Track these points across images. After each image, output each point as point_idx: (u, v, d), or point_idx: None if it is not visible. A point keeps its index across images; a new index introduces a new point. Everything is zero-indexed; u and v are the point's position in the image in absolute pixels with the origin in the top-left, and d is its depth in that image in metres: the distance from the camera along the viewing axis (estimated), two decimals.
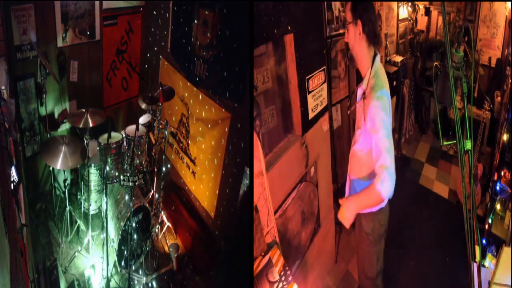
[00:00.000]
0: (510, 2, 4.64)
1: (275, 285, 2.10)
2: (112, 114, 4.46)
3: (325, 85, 3.07)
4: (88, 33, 3.88)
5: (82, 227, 3.68)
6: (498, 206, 3.31)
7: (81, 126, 3.16)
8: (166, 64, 4.14)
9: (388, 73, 5.15)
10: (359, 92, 2.37)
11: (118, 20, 4.15)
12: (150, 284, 3.30)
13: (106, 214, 3.00)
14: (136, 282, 3.27)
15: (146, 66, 4.55)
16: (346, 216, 2.29)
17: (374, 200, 2.23)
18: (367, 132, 2.26)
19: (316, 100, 2.97)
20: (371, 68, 2.26)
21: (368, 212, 2.46)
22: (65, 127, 3.92)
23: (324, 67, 3.01)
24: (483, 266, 1.73)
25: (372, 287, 2.72)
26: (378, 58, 2.31)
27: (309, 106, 2.87)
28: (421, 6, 6.34)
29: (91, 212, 3.65)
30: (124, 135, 3.50)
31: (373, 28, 2.26)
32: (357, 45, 2.28)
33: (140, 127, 3.54)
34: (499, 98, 4.44)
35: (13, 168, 2.52)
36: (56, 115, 3.82)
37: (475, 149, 4.00)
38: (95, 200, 3.72)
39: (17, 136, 3.31)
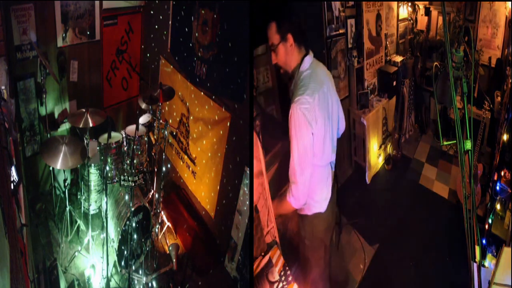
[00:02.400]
0: (510, 2, 4.63)
1: (275, 285, 2.10)
2: (112, 114, 4.46)
3: None
4: (88, 33, 3.88)
5: (82, 227, 3.68)
6: (498, 206, 3.30)
7: (81, 126, 3.15)
8: (166, 64, 4.14)
9: (388, 73, 5.20)
10: (291, 89, 2.21)
11: (118, 20, 4.15)
12: (150, 284, 3.30)
13: (106, 214, 3.00)
14: (136, 282, 3.27)
15: (146, 66, 4.55)
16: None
17: (286, 209, 2.24)
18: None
19: None
20: (298, 69, 2.13)
21: (304, 215, 2.37)
22: (65, 127, 3.92)
23: None
24: (483, 266, 1.73)
25: None
26: (308, 58, 2.14)
27: None
28: (421, 6, 6.34)
29: (91, 212, 3.64)
30: (124, 135, 3.50)
31: (301, 29, 2.13)
32: (289, 57, 2.14)
33: (140, 127, 3.54)
34: (499, 98, 4.44)
35: (13, 168, 2.52)
36: (56, 115, 3.81)
37: (475, 149, 4.00)
38: (95, 200, 3.72)
39: (17, 136, 3.31)
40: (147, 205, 3.37)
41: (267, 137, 2.80)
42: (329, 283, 2.76)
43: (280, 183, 2.66)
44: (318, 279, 2.55)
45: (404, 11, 5.92)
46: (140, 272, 3.30)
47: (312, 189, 2.20)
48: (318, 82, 2.09)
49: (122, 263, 3.35)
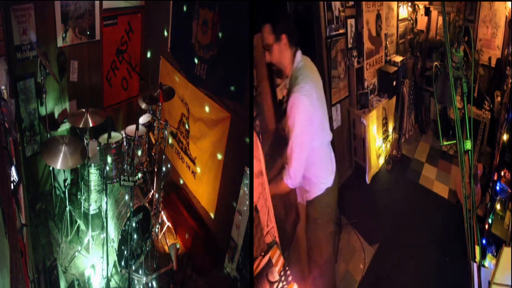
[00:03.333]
0: (510, 2, 4.63)
1: (275, 285, 2.10)
2: (112, 114, 4.46)
3: None
4: (88, 33, 3.88)
5: (82, 227, 3.68)
6: (498, 206, 3.30)
7: (81, 126, 3.15)
8: (166, 64, 4.14)
9: (388, 73, 5.20)
10: (285, 93, 2.42)
11: (118, 20, 4.15)
12: (150, 284, 3.30)
13: (106, 214, 3.00)
14: (136, 282, 3.27)
15: (146, 66, 4.55)
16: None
17: (282, 189, 2.38)
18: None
19: None
20: (292, 65, 2.29)
21: (313, 198, 2.52)
22: (65, 127, 3.92)
23: None
24: (483, 266, 1.73)
25: (320, 273, 2.71)
26: (299, 53, 2.31)
27: None
28: (421, 6, 6.33)
29: (91, 212, 3.64)
30: (124, 135, 3.50)
31: (293, 30, 2.27)
32: (283, 57, 2.28)
33: (140, 127, 3.54)
34: (499, 98, 4.44)
35: (13, 168, 2.52)
36: (56, 115, 3.82)
37: (475, 149, 4.00)
38: (95, 200, 3.72)
39: (17, 136, 3.31)
40: (147, 205, 3.37)
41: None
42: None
43: (271, 166, 2.74)
44: (331, 258, 2.73)
45: (404, 11, 5.91)
46: (140, 272, 3.30)
47: (318, 169, 2.43)
48: (311, 70, 2.32)
49: (122, 263, 3.35)
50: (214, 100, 3.44)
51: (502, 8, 4.88)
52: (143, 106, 3.31)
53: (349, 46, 4.45)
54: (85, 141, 3.16)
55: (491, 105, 4.28)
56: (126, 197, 3.29)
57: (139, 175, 2.75)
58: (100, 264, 3.32)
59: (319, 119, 2.28)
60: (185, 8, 3.64)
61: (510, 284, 1.88)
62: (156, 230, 3.60)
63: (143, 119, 3.63)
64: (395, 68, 5.08)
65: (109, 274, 3.14)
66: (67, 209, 3.53)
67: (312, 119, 2.19)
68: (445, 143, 1.77)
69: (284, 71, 2.32)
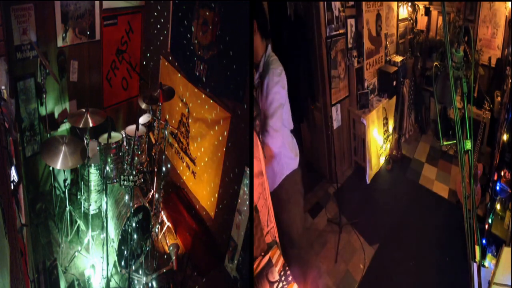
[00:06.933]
0: (510, 2, 4.63)
1: (275, 285, 2.10)
2: (112, 114, 4.46)
3: None
4: (88, 33, 3.88)
5: (82, 227, 3.68)
6: (498, 206, 3.30)
7: (81, 126, 3.15)
8: (166, 64, 4.14)
9: (388, 73, 5.19)
10: (256, 77, 2.57)
11: (118, 20, 4.15)
12: (150, 284, 3.30)
13: (106, 214, 3.00)
14: (136, 282, 3.27)
15: (146, 66, 4.55)
16: None
17: (267, 156, 2.49)
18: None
19: None
20: (265, 54, 2.49)
21: (282, 180, 2.66)
22: (65, 127, 3.92)
23: None
24: (483, 266, 1.73)
25: (296, 252, 2.82)
26: (269, 47, 2.54)
27: None
28: (421, 6, 6.33)
29: (91, 212, 3.64)
30: (124, 135, 3.50)
31: (265, 24, 2.50)
32: (255, 43, 2.50)
33: (140, 127, 3.54)
34: (499, 98, 4.44)
35: (13, 168, 2.52)
36: (56, 115, 3.82)
37: (475, 149, 4.00)
38: (95, 200, 3.72)
39: (17, 136, 3.31)
40: (147, 205, 3.37)
41: None
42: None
43: None
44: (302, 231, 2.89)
45: (404, 11, 5.91)
46: (140, 272, 3.31)
47: (288, 149, 2.64)
48: (280, 63, 2.52)
49: (122, 263, 3.35)
50: (214, 100, 3.45)
51: (502, 8, 4.88)
52: (143, 106, 3.30)
53: (349, 46, 4.45)
54: (85, 141, 3.16)
55: (491, 105, 4.28)
56: (126, 197, 3.29)
57: (139, 175, 2.75)
58: (100, 264, 3.32)
59: (287, 101, 2.52)
60: (185, 8, 3.64)
61: (510, 284, 1.88)
62: (156, 230, 3.60)
63: (143, 119, 3.63)
64: (395, 68, 5.08)
65: (109, 274, 3.14)
66: (67, 209, 3.53)
67: (284, 97, 2.43)
68: (445, 143, 1.77)
69: (254, 57, 2.52)
